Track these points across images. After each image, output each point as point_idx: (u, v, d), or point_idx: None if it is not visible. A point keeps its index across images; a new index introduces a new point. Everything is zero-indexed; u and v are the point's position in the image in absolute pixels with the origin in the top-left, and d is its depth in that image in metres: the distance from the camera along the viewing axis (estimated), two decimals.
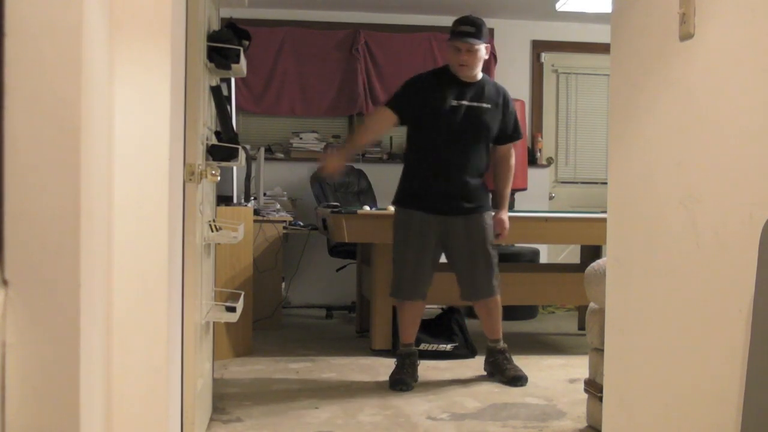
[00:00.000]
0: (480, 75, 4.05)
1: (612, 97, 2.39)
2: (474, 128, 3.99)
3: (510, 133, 4.15)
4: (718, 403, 1.75)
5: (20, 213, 1.34)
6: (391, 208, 4.27)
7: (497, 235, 4.12)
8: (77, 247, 1.37)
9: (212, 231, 3.13)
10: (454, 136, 3.97)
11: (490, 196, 4.21)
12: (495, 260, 4.06)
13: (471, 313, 5.14)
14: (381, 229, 4.39)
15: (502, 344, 4.15)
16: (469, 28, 3.91)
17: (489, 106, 4.02)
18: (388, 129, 4.38)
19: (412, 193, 4.05)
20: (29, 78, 1.33)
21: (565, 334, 5.44)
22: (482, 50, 3.95)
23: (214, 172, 2.73)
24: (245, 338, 4.57)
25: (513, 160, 4.23)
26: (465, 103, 3.97)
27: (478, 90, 4.01)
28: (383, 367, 4.23)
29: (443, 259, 4.12)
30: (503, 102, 4.09)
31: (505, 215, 4.18)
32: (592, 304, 3.32)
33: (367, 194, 6.09)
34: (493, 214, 4.13)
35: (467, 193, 4.00)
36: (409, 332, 4.11)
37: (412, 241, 3.99)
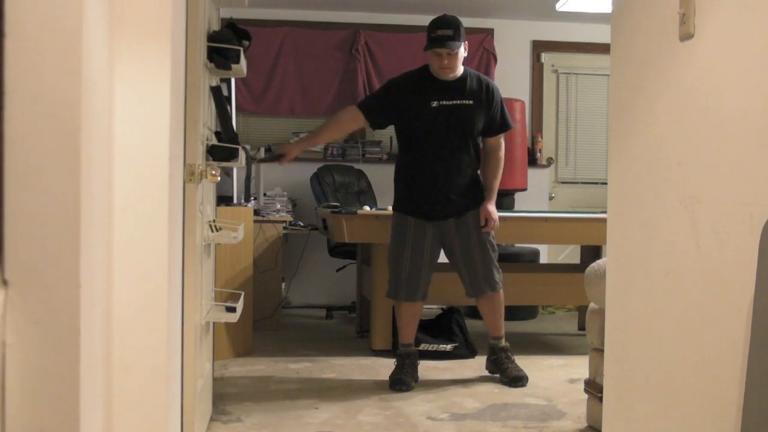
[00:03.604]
0: (461, 70, 3.98)
1: (612, 97, 2.39)
2: (457, 128, 3.94)
3: (498, 124, 4.06)
4: (718, 403, 1.75)
5: (20, 213, 1.33)
6: (391, 209, 4.26)
7: (483, 227, 4.01)
8: (77, 247, 1.36)
9: (212, 231, 3.13)
10: (437, 138, 3.93)
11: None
12: (493, 255, 4.03)
13: (471, 313, 5.15)
14: (381, 229, 4.39)
15: (504, 342, 4.14)
16: (448, 32, 3.84)
17: (471, 102, 3.95)
18: (354, 130, 4.31)
19: (404, 199, 4.05)
20: (29, 78, 1.33)
21: (565, 334, 5.44)
22: (461, 50, 3.90)
23: (214, 172, 2.73)
24: (245, 338, 4.57)
25: (502, 152, 4.11)
26: (445, 103, 3.92)
27: (459, 87, 3.95)
28: (383, 367, 4.23)
29: (442, 258, 4.11)
30: (487, 94, 4.00)
31: (492, 206, 4.04)
32: (592, 304, 3.32)
33: (367, 194, 6.09)
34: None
35: (456, 194, 3.98)
36: (408, 332, 4.11)
37: (408, 244, 3.99)
